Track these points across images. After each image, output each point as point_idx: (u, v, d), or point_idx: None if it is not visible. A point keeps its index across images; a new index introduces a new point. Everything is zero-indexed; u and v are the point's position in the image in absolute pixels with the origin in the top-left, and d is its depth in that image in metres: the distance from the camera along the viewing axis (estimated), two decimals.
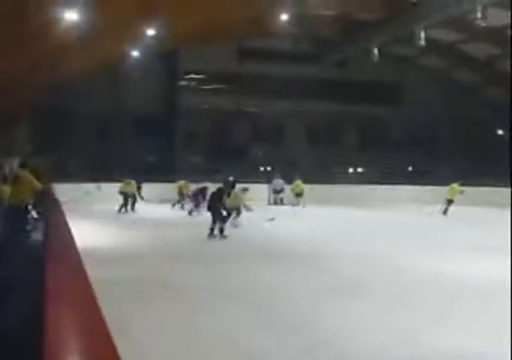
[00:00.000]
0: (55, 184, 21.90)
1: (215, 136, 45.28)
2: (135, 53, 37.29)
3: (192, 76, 46.10)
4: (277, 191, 34.93)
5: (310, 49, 44.90)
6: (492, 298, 10.17)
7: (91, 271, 3.46)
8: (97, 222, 23.13)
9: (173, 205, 30.53)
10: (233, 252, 16.02)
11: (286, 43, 43.33)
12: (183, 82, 45.84)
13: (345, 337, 7.93)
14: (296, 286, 11.28)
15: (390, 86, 47.64)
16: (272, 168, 42.71)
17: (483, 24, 29.68)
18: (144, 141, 41.66)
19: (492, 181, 35.55)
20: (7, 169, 12.43)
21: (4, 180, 14.47)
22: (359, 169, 48.52)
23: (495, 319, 8.58)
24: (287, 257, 15.21)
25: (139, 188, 29.91)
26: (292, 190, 34.14)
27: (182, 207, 30.28)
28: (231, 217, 21.24)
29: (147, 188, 32.84)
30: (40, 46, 26.63)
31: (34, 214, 11.86)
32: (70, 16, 24.42)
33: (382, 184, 39.35)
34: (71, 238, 5.26)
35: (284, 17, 34.04)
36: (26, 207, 11.94)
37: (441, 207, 29.32)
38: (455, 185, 29.85)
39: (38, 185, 12.35)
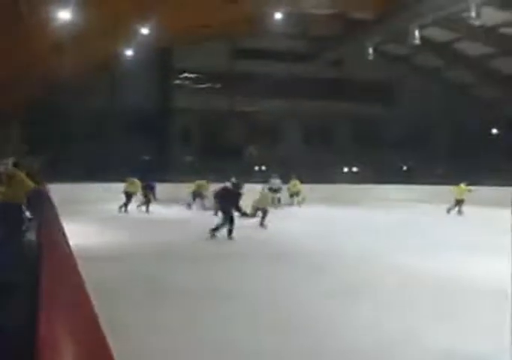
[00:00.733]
0: (48, 183, 21.86)
1: (209, 135, 45.31)
2: (129, 52, 37.21)
3: (186, 75, 46.14)
4: (274, 191, 34.81)
5: (305, 48, 44.86)
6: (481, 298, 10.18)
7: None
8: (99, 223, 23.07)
9: (189, 205, 30.35)
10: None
11: (281, 42, 43.32)
12: (177, 82, 45.87)
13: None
14: (293, 287, 11.26)
15: (384, 85, 47.69)
16: (267, 167, 42.70)
17: (477, 23, 29.72)
18: (138, 140, 41.64)
19: (486, 179, 35.57)
20: (1, 169, 12.38)
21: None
22: (354, 169, 48.56)
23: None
24: (283, 256, 15.19)
25: (152, 188, 29.23)
26: (288, 189, 34.09)
27: (189, 207, 30.24)
28: (254, 219, 21.33)
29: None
30: (33, 46, 26.56)
31: (27, 214, 11.81)
32: (64, 15, 24.35)
33: (377, 183, 39.41)
34: (65, 238, 5.23)
35: (278, 16, 34.00)
36: (20, 207, 11.88)
37: (450, 207, 29.21)
38: (462, 185, 29.77)
39: (31, 185, 12.31)
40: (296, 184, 33.86)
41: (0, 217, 11.34)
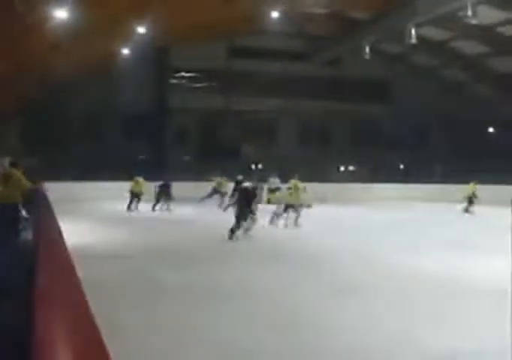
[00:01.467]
0: (45, 183, 21.84)
1: (205, 134, 45.30)
2: (126, 51, 37.19)
3: (183, 74, 46.16)
4: (273, 190, 34.68)
5: (302, 47, 44.89)
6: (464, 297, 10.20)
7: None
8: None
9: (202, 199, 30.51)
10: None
11: (277, 41, 43.31)
12: (174, 81, 45.88)
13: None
14: (291, 287, 11.26)
15: (381, 84, 47.73)
16: (264, 166, 42.67)
17: (473, 22, 29.75)
18: (135, 139, 41.64)
19: (483, 178, 35.58)
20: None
21: None
22: (351, 168, 48.59)
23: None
24: (282, 256, 15.21)
25: (168, 187, 28.64)
26: (289, 188, 33.74)
27: (201, 201, 30.43)
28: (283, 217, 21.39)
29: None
30: (30, 45, 26.53)
31: (24, 213, 11.81)
32: (61, 14, 24.32)
33: (374, 182, 39.43)
34: (61, 237, 5.23)
35: (275, 15, 34.00)
36: (17, 206, 11.88)
37: (466, 207, 29.17)
38: (472, 184, 29.71)
39: (28, 184, 12.31)
40: (296, 183, 33.47)
41: None
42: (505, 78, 43.73)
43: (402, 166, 47.45)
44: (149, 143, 42.99)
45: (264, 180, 34.57)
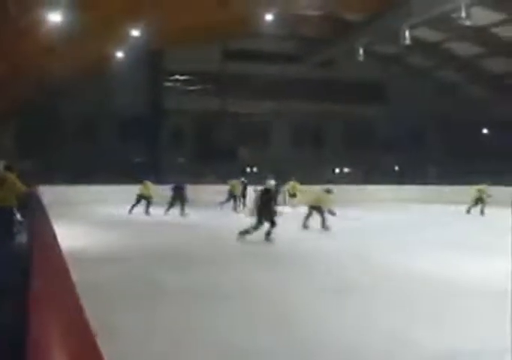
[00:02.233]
0: (40, 186, 21.82)
1: (201, 136, 45.33)
2: (120, 54, 37.18)
3: (178, 77, 46.19)
4: (292, 194, 34.70)
5: (295, 49, 44.94)
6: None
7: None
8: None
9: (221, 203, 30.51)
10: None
11: (271, 44, 43.34)
12: (169, 83, 45.91)
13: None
14: (289, 287, 11.25)
15: (375, 86, 47.83)
16: (259, 169, 42.67)
17: (467, 23, 29.81)
18: (130, 142, 41.63)
19: (478, 179, 35.65)
20: None
21: None
22: (346, 170, 48.64)
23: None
24: (279, 257, 15.20)
25: (182, 190, 28.03)
26: (287, 191, 33.48)
27: (221, 207, 30.35)
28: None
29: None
30: (24, 48, 26.51)
31: (18, 216, 11.80)
32: (54, 17, 24.30)
33: (368, 183, 39.48)
34: (56, 241, 5.22)
35: (269, 17, 33.99)
36: (11, 210, 11.86)
37: (482, 208, 29.00)
38: (483, 186, 29.54)
39: (23, 188, 12.29)
40: (294, 185, 33.29)
41: None
42: (499, 79, 43.91)
43: (396, 168, 47.51)
44: (145, 146, 42.97)
45: (260, 182, 34.45)
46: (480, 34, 37.16)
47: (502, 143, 41.54)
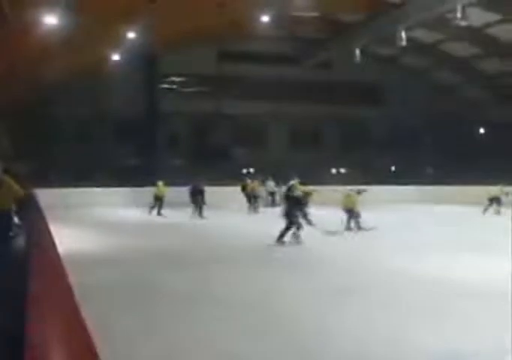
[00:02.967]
0: (36, 189, 21.78)
1: (196, 138, 45.33)
2: (116, 57, 37.20)
3: (173, 78, 46.22)
4: (271, 193, 34.73)
5: (292, 50, 44.95)
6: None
7: None
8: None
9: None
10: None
11: (268, 45, 43.40)
12: (164, 85, 45.94)
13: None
14: (288, 289, 11.25)
15: (372, 87, 47.89)
16: (256, 170, 42.62)
17: (463, 24, 29.85)
18: (126, 145, 41.61)
19: (474, 179, 35.67)
20: None
21: None
22: (342, 170, 48.62)
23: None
24: (279, 257, 15.20)
25: (201, 192, 27.75)
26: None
27: (255, 209, 30.55)
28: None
29: (132, 193, 32.96)
30: (20, 51, 26.51)
31: (16, 220, 11.77)
32: (50, 20, 24.32)
33: (366, 184, 39.41)
34: (54, 245, 5.23)
35: (265, 19, 33.99)
36: (9, 213, 11.84)
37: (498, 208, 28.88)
38: (499, 186, 29.29)
39: (21, 191, 12.27)
40: (296, 186, 32.91)
41: None
42: (495, 79, 43.96)
43: (393, 168, 47.51)
44: (141, 148, 42.93)
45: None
46: (476, 35, 37.20)
47: (498, 143, 41.61)
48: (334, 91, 46.89)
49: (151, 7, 26.45)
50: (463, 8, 28.50)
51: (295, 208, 17.97)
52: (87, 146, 40.99)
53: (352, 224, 21.04)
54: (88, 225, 23.95)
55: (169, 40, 37.61)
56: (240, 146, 45.35)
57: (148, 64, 44.12)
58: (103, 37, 31.23)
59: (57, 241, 5.70)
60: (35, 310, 2.52)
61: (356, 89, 47.37)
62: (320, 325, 8.49)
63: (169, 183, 30.23)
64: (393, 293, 10.71)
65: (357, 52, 36.90)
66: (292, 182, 21.26)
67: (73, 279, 3.56)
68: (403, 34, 31.90)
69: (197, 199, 27.63)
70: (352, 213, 21.08)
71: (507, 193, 28.69)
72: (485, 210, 28.77)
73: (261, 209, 31.39)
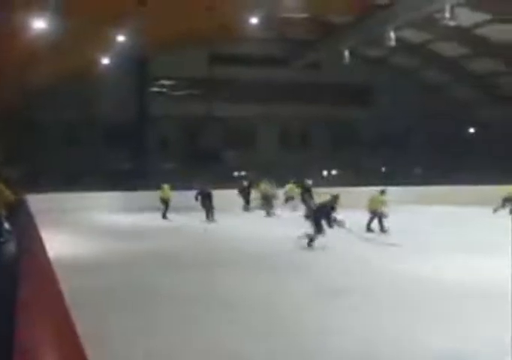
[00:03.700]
0: (26, 194, 21.70)
1: (187, 141, 45.31)
2: (106, 60, 37.16)
3: (163, 82, 46.24)
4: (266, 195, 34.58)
5: (281, 52, 44.97)
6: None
7: None
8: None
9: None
10: None
11: (258, 47, 43.42)
12: (154, 89, 45.95)
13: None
14: (286, 290, 11.25)
15: (361, 87, 47.95)
16: (247, 172, 42.59)
17: (451, 24, 29.91)
18: (116, 148, 41.53)
19: (464, 179, 35.78)
20: None
21: None
22: (333, 172, 48.63)
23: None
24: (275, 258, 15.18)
25: (209, 196, 27.13)
26: (285, 193, 32.85)
27: (268, 213, 29.89)
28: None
29: (124, 196, 32.88)
30: (8, 55, 26.42)
31: (6, 225, 11.73)
32: (39, 24, 24.26)
33: (357, 185, 39.39)
34: (44, 250, 5.21)
35: (255, 21, 33.96)
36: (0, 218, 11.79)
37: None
38: None
39: (11, 196, 12.23)
40: (292, 188, 32.69)
41: None
42: (484, 79, 44.11)
43: (383, 169, 47.51)
44: (131, 151, 42.84)
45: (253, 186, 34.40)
46: (464, 35, 37.30)
47: (488, 142, 41.79)
48: (323, 92, 46.89)
49: (141, 10, 26.39)
50: (452, 8, 28.56)
51: (322, 213, 17.56)
52: (77, 150, 40.84)
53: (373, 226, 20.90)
54: (80, 230, 23.85)
55: (159, 43, 37.61)
56: (231, 149, 45.32)
57: (138, 68, 44.02)
58: (93, 41, 31.19)
59: (47, 246, 5.67)
60: (25, 316, 2.51)
61: (346, 90, 47.45)
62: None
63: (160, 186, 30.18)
64: (395, 293, 10.73)
65: (346, 53, 36.95)
66: (309, 182, 20.64)
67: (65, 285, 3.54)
68: (392, 35, 31.95)
69: (206, 203, 27.11)
70: (377, 214, 20.88)
71: None
72: (495, 210, 28.08)
73: (258, 211, 31.07)
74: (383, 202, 21.17)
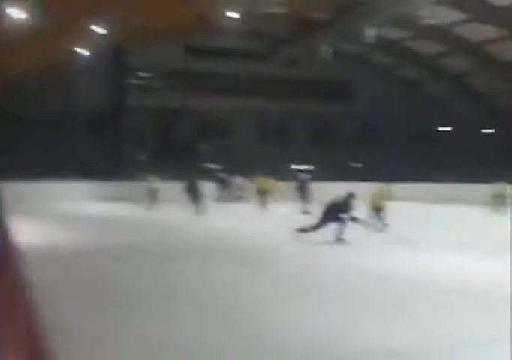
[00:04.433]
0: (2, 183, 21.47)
1: (162, 133, 45.22)
2: (83, 51, 36.95)
3: (140, 73, 46.10)
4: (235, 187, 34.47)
5: (260, 46, 44.97)
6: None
7: None
8: None
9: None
10: None
11: (236, 41, 43.31)
12: (131, 80, 45.85)
13: None
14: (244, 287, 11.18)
15: (339, 83, 48.09)
16: (222, 166, 42.43)
17: (430, 22, 30.07)
18: (91, 138, 41.34)
19: (438, 176, 36.01)
20: None
21: None
22: (309, 167, 48.56)
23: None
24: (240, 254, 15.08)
25: (197, 189, 26.34)
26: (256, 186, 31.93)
27: (263, 206, 28.79)
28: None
29: (97, 186, 32.76)
30: None
31: None
32: (18, 14, 24.06)
33: (332, 181, 39.42)
34: (12, 239, 5.12)
35: (233, 15, 33.89)
36: None
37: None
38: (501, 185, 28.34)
39: None
40: (265, 181, 31.29)
41: None
42: (462, 77, 44.39)
43: (358, 165, 47.53)
44: (106, 142, 42.61)
45: (225, 180, 34.39)
46: (443, 33, 37.52)
47: (464, 141, 42.08)
48: (301, 87, 47.00)
49: (118, 1, 26.28)
50: (430, 6, 28.72)
51: (336, 211, 16.96)
52: (51, 141, 40.54)
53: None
54: (53, 219, 23.67)
55: (136, 34, 37.42)
56: (206, 142, 45.22)
57: (115, 59, 43.82)
58: (71, 32, 30.98)
59: (18, 235, 5.58)
60: None
61: (324, 86, 47.62)
62: None
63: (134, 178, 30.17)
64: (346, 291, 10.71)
65: (325, 48, 37.00)
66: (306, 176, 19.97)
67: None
68: (371, 32, 32.05)
69: (193, 196, 26.33)
70: (381, 209, 20.04)
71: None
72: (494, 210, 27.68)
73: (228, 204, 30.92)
74: (387, 195, 20.66)
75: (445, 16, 32.76)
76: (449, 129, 49.01)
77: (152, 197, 28.30)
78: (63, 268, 12.44)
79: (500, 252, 13.60)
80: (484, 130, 46.56)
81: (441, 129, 48.50)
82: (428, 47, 41.58)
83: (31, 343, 2.00)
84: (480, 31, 36.25)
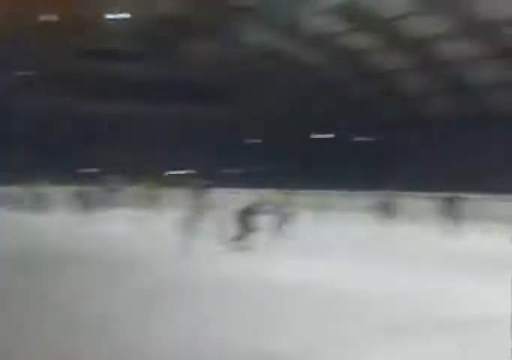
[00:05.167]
0: None
1: (42, 136, 43.82)
2: None
3: (26, 73, 45.10)
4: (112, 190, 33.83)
5: (142, 48, 44.47)
6: None
7: None
8: None
9: None
10: None
11: (119, 43, 42.76)
12: (16, 80, 44.69)
13: None
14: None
15: (220, 86, 48.07)
16: (103, 170, 41.38)
17: (315, 30, 30.32)
18: None
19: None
20: None
21: None
22: (183, 172, 47.96)
23: None
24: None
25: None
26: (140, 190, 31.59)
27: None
28: None
29: None
30: None
31: None
32: None
33: (211, 187, 38.99)
34: None
35: (118, 16, 33.46)
36: None
37: None
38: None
39: None
40: (151, 185, 31.02)
41: None
42: (389, 76, 43.50)
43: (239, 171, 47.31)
44: None
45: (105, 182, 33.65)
46: (326, 42, 38.03)
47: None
48: (179, 90, 46.76)
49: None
50: (316, 16, 29.01)
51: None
52: None
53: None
54: None
55: (24, 33, 36.22)
56: (90, 145, 44.18)
57: (1, 58, 42.22)
58: None
59: None
60: None
61: (203, 88, 47.50)
62: None
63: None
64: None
65: (205, 52, 37.00)
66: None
67: None
68: (255, 37, 32.12)
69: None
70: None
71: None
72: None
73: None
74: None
75: (331, 25, 33.07)
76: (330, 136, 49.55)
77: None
78: None
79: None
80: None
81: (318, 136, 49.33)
82: (311, 55, 42.01)
83: None
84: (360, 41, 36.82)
